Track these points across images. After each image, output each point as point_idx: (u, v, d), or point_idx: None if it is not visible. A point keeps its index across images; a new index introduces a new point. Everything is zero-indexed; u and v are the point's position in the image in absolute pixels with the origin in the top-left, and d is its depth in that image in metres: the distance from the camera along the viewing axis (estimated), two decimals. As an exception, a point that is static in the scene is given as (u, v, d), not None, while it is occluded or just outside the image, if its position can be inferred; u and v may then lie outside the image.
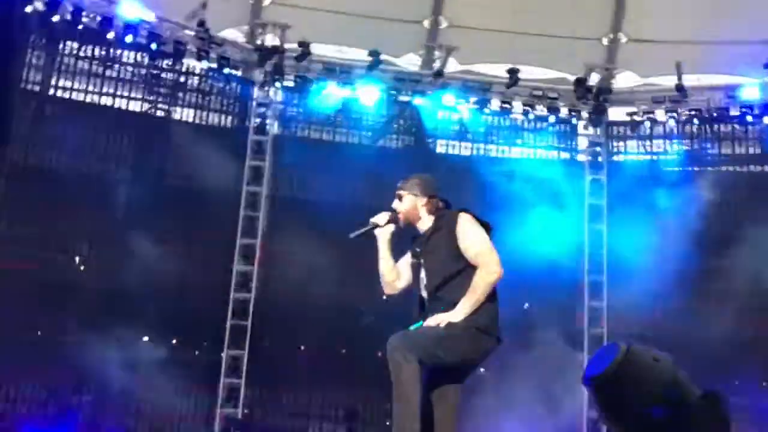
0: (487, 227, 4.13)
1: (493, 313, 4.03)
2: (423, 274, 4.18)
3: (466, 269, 4.04)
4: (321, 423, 15.05)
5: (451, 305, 3.96)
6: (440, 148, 16.42)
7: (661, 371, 1.89)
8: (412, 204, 4.27)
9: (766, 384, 14.02)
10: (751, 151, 15.50)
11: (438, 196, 4.30)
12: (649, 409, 1.84)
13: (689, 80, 15.15)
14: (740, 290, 13.75)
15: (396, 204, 4.33)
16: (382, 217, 4.33)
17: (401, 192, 4.32)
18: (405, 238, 4.55)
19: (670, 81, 15.29)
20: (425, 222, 4.28)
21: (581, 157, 16.33)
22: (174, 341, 14.62)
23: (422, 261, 4.19)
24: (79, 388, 13.69)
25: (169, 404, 13.98)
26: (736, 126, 15.34)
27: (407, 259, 4.39)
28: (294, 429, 15.02)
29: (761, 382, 13.89)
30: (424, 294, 4.17)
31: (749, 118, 15.01)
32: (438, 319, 3.92)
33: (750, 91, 14.75)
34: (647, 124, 15.70)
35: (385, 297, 4.55)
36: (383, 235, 4.32)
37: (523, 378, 13.26)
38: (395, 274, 4.33)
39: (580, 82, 15.39)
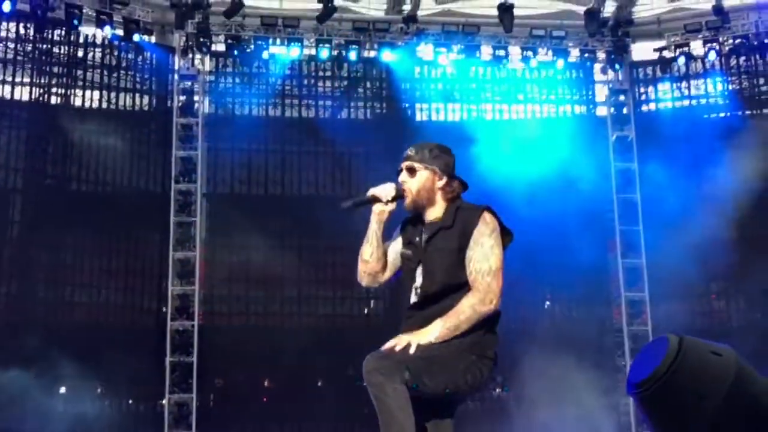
0: (510, 236, 4.00)
1: (495, 339, 3.98)
2: (419, 273, 4.04)
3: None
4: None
5: None
6: (420, 115, 16.23)
7: (723, 369, 1.87)
8: (429, 183, 4.04)
9: None
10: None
11: (459, 179, 4.09)
12: (711, 419, 1.83)
13: (731, -1, 15.00)
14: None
15: (404, 178, 4.05)
16: (387, 190, 4.06)
17: (414, 164, 4.04)
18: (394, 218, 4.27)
19: (705, 2, 15.22)
20: (437, 209, 4.09)
21: (601, 111, 16.28)
22: (98, 390, 14.38)
23: (422, 259, 4.04)
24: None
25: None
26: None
27: (397, 246, 4.19)
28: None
29: None
30: (414, 298, 4.06)
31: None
32: (403, 340, 3.79)
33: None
34: (681, 61, 15.51)
35: (365, 286, 4.30)
36: (382, 213, 4.07)
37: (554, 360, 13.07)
38: (382, 263, 4.14)
39: (592, 14, 15.24)
